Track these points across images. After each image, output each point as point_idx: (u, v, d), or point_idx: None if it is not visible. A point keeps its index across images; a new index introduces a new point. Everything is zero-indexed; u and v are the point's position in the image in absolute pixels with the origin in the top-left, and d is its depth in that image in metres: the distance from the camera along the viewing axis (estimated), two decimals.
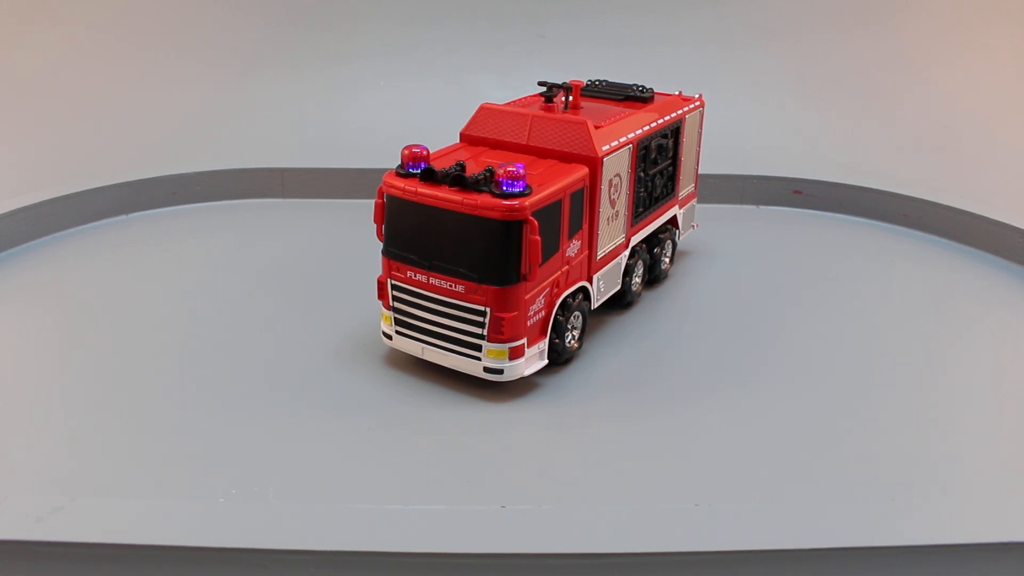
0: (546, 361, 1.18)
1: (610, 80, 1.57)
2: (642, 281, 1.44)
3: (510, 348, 1.11)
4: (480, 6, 2.41)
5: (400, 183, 1.12)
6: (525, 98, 1.44)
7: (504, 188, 1.06)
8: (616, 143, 1.24)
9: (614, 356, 1.26)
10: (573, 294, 1.20)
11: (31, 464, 0.99)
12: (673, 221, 1.54)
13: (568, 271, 1.18)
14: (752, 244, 1.71)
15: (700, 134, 1.57)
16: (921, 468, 1.03)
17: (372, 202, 1.19)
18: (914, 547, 0.79)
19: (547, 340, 1.16)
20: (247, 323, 1.34)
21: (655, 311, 1.41)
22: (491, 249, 1.07)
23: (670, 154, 1.45)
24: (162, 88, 2.30)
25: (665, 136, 1.41)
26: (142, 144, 2.13)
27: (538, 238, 1.06)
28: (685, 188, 1.57)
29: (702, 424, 1.10)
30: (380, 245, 1.18)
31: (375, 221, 1.19)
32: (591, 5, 2.42)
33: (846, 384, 1.21)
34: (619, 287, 1.36)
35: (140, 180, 1.81)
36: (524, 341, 1.12)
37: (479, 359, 1.12)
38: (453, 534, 0.78)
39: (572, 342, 1.21)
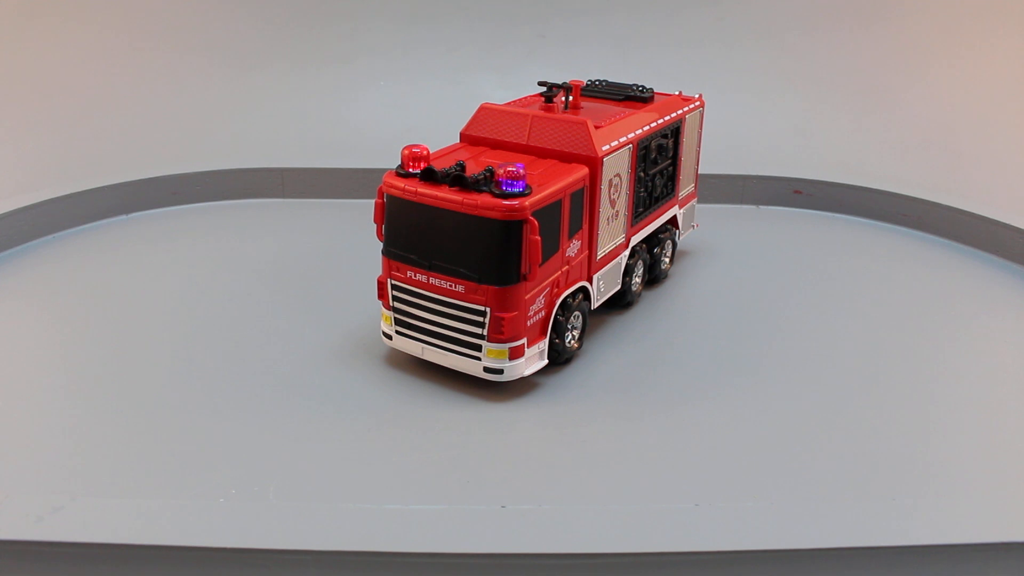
0: (546, 361, 1.18)
1: (610, 80, 1.57)
2: (642, 281, 1.44)
3: (510, 348, 1.11)
4: (480, 6, 2.41)
5: (400, 183, 1.12)
6: (525, 98, 1.44)
7: (504, 188, 1.06)
8: (616, 143, 1.24)
9: (614, 356, 1.26)
10: (573, 294, 1.20)
11: (31, 464, 0.99)
12: (673, 221, 1.54)
13: (568, 271, 1.18)
14: (752, 244, 1.71)
15: (700, 134, 1.57)
16: (921, 468, 1.03)
17: (372, 202, 1.20)
18: (914, 547, 0.79)
19: (547, 340, 1.16)
20: (247, 323, 1.34)
21: (655, 311, 1.41)
22: (491, 249, 1.07)
23: (670, 154, 1.45)
24: (162, 87, 2.30)
25: (665, 136, 1.41)
26: (142, 144, 2.13)
27: (538, 238, 1.06)
28: (685, 188, 1.57)
29: (702, 424, 1.10)
30: (380, 245, 1.18)
31: (375, 221, 1.19)
32: (591, 5, 2.42)
33: (846, 384, 1.21)
34: (619, 287, 1.36)
35: (140, 180, 1.81)
36: (524, 341, 1.12)
37: (479, 359, 1.12)
38: (453, 534, 0.78)
39: (572, 342, 1.21)
